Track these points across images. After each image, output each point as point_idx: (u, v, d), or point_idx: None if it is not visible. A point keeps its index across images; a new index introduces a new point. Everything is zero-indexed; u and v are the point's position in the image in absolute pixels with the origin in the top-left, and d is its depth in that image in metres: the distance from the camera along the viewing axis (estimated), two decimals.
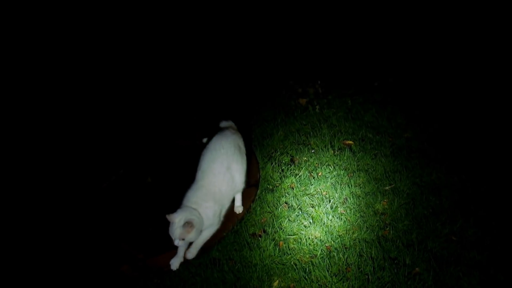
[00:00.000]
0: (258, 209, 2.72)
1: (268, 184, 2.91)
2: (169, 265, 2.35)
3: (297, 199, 2.77)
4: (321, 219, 2.60)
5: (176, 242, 2.26)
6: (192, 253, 2.38)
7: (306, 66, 4.39)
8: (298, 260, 2.37)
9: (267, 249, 2.44)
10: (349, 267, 2.30)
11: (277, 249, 2.44)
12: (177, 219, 2.21)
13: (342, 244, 2.44)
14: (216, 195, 2.42)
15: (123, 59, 4.68)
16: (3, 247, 2.60)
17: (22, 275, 2.44)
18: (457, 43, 4.42)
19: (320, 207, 2.69)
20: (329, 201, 2.73)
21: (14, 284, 2.40)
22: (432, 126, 3.33)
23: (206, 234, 2.44)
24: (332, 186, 2.84)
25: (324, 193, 2.80)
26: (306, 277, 2.27)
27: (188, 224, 2.22)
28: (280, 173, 2.99)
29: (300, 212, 2.67)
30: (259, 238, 2.51)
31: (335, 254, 2.37)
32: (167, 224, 2.26)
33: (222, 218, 2.52)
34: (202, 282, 2.30)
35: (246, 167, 2.68)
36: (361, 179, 2.87)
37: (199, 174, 2.49)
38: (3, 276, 2.43)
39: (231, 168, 2.53)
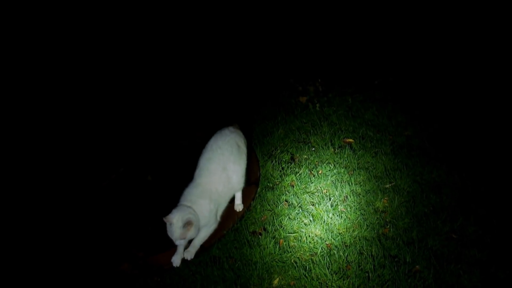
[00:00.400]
0: (258, 207, 2.71)
1: (268, 182, 2.91)
2: (170, 263, 2.35)
3: (297, 197, 2.77)
4: (322, 217, 2.60)
5: (178, 242, 2.27)
6: (190, 254, 2.38)
7: (306, 64, 4.38)
8: (298, 258, 2.37)
9: (267, 247, 2.44)
10: (350, 265, 2.30)
11: (277, 247, 2.44)
12: (175, 220, 2.21)
13: (342, 242, 2.43)
14: (212, 193, 2.42)
15: (124, 58, 4.67)
16: (3, 246, 2.60)
17: (22, 274, 2.44)
18: (458, 42, 4.41)
19: (321, 205, 2.69)
20: (330, 199, 2.72)
21: (14, 282, 2.40)
22: (432, 125, 3.32)
23: (204, 234, 2.44)
24: (333, 184, 2.84)
25: (325, 191, 2.79)
26: (307, 275, 2.27)
27: (187, 224, 2.22)
28: (280, 171, 2.99)
29: (300, 210, 2.66)
30: (259, 236, 2.51)
31: (335, 252, 2.37)
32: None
33: (219, 218, 2.51)
34: (202, 280, 2.30)
35: (245, 168, 2.65)
36: (361, 177, 2.87)
37: (197, 173, 2.50)
38: (3, 274, 2.43)
39: (227, 168, 2.51)
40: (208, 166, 2.48)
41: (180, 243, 2.29)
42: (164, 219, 2.22)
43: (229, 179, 2.52)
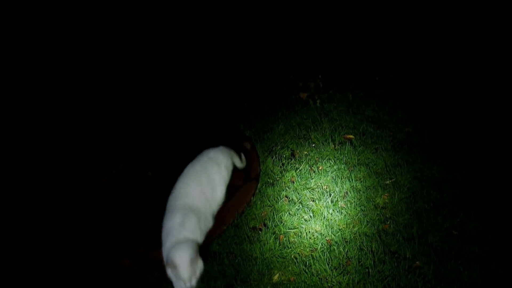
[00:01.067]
0: (259, 203, 2.71)
1: (269, 178, 2.91)
2: None
3: (298, 193, 2.76)
4: (322, 213, 2.60)
5: (189, 285, 2.02)
6: None
7: (307, 61, 4.37)
8: (298, 253, 2.37)
9: (267, 243, 2.44)
10: (350, 261, 2.30)
11: (278, 242, 2.44)
12: (178, 260, 2.00)
13: (342, 238, 2.44)
14: (194, 210, 2.31)
15: (125, 55, 4.66)
16: (4, 241, 2.60)
17: (24, 270, 2.44)
18: (459, 39, 4.40)
19: (321, 201, 2.69)
20: (330, 195, 2.72)
21: (15, 279, 2.41)
22: (433, 121, 3.31)
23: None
24: (333, 180, 2.84)
25: (325, 187, 2.79)
26: (307, 270, 2.27)
27: (193, 259, 2.02)
28: (280, 167, 2.99)
29: (301, 206, 2.66)
30: (260, 232, 2.51)
31: (335, 248, 2.37)
32: None
33: (212, 220, 2.45)
34: (202, 275, 2.30)
35: (225, 189, 2.58)
36: (361, 173, 2.87)
37: (173, 198, 2.38)
38: (4, 270, 2.44)
39: (205, 192, 2.44)
40: (186, 188, 2.40)
41: (193, 284, 2.03)
42: (167, 265, 2.04)
43: (209, 202, 2.45)
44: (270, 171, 2.96)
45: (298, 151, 3.13)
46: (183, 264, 2.00)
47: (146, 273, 2.34)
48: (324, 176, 2.88)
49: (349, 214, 2.58)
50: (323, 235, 2.46)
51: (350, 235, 2.45)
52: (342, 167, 2.93)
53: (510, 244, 2.31)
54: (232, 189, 2.74)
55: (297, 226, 2.53)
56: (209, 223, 2.41)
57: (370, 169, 2.89)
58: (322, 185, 2.81)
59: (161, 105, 3.88)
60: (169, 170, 2.99)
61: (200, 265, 2.11)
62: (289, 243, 2.44)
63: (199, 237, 2.26)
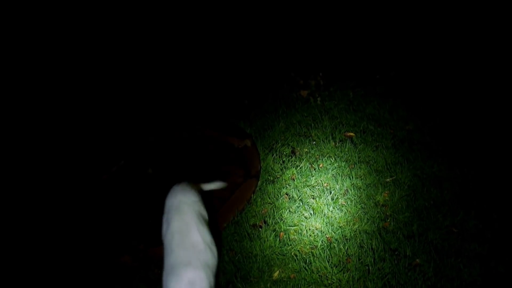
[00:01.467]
0: (259, 200, 2.71)
1: (269, 175, 2.91)
2: None
3: (298, 190, 2.76)
4: (322, 210, 2.60)
5: None
6: None
7: (307, 58, 4.36)
8: (298, 251, 2.37)
9: (267, 240, 2.44)
10: (350, 258, 2.30)
11: (278, 240, 2.44)
12: None
13: (342, 235, 2.44)
14: (203, 266, 1.94)
15: (126, 53, 4.66)
16: (5, 237, 2.61)
17: (24, 267, 2.45)
18: (459, 37, 4.39)
19: (321, 198, 2.69)
20: (330, 192, 2.72)
21: (15, 277, 2.41)
22: (434, 119, 3.31)
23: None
24: (333, 177, 2.84)
25: (325, 184, 2.79)
26: (307, 267, 2.27)
27: None
28: (281, 164, 2.99)
29: (301, 203, 2.66)
30: (260, 229, 2.51)
31: (335, 245, 2.37)
32: None
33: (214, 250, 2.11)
34: None
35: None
36: (362, 171, 2.87)
37: (173, 258, 1.96)
38: (4, 267, 2.44)
39: (206, 241, 2.06)
40: (186, 240, 2.02)
41: None
42: None
43: (210, 247, 2.06)
44: (271, 169, 2.96)
45: (298, 148, 3.13)
46: None
47: (146, 270, 2.34)
48: (325, 173, 2.88)
49: (350, 212, 2.58)
50: (323, 232, 2.46)
51: (350, 232, 2.45)
52: (343, 165, 2.93)
53: (510, 242, 2.31)
54: (233, 186, 2.75)
55: (297, 224, 2.53)
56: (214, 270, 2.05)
57: (371, 167, 2.89)
58: (323, 182, 2.81)
59: (161, 103, 3.88)
60: (169, 167, 2.99)
61: None
62: (289, 240, 2.44)
63: None
